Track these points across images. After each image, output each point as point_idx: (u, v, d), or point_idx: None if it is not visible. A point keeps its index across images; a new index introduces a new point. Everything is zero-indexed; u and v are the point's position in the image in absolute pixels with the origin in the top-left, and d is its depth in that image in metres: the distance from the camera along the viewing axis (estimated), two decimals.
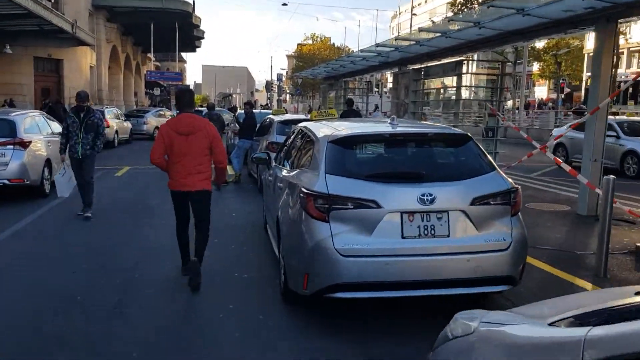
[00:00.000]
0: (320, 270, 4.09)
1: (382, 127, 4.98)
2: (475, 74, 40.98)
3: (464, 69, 12.45)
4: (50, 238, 7.09)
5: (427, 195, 4.07)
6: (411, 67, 14.12)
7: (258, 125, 12.18)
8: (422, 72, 13.09)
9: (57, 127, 11.17)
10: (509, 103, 37.15)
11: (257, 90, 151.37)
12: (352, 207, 4.08)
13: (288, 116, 11.46)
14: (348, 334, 4.20)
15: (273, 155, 6.71)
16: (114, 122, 21.36)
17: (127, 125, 23.50)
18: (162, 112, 28.77)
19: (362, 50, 17.33)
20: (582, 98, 36.03)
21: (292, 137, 6.19)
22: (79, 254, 6.31)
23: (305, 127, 5.63)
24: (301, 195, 4.25)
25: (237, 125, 13.70)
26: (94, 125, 8.17)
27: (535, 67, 45.32)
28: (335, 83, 21.97)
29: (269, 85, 48.79)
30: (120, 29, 35.44)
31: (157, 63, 56.49)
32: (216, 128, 5.53)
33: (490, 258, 4.17)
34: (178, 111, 5.43)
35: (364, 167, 4.52)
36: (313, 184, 4.24)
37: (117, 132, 21.48)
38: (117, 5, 31.79)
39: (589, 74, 18.88)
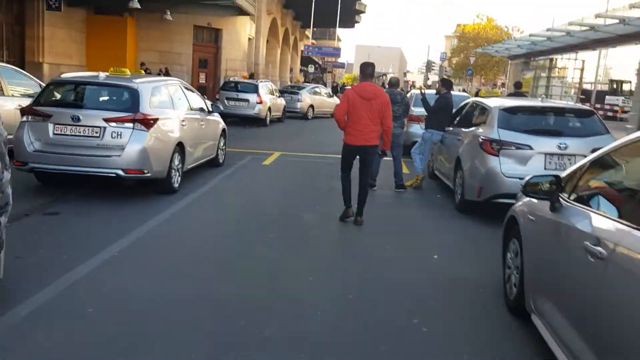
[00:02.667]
0: (491, 185, 6.70)
1: (534, 102, 8.89)
2: None
3: None
4: (176, 251, 4.49)
5: (562, 144, 6.61)
6: None
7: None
8: None
9: (198, 101, 8.78)
10: None
11: (408, 72, 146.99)
12: (514, 148, 6.66)
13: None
14: None
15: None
16: (267, 98, 19.29)
17: (281, 102, 21.40)
18: (317, 90, 26.42)
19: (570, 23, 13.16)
20: None
21: (465, 108, 8.72)
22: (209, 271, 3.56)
23: (477, 101, 8.50)
24: (481, 140, 6.92)
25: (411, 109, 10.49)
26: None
27: None
28: (528, 62, 17.61)
29: (429, 65, 44.63)
30: (281, 0, 33.83)
31: (313, 40, 55.58)
32: (401, 111, 8.52)
33: None
34: (360, 81, 6.53)
35: (522, 126, 6.94)
36: (489, 134, 6.88)
37: (269, 109, 19.39)
38: None
39: None
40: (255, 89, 18.67)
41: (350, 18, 41.54)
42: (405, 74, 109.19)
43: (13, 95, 8.58)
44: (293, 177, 9.50)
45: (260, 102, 18.51)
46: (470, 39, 69.42)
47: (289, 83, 37.33)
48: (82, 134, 6.45)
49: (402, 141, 8.79)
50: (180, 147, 7.40)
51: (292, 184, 8.87)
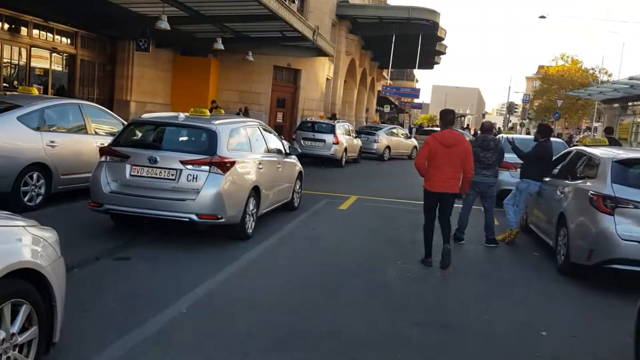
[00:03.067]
0: (604, 248, 5.86)
1: None
2: None
3: None
4: (246, 310, 4.00)
5: None
6: None
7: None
8: None
9: (275, 142, 8.47)
10: None
11: (487, 113, 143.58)
12: (632, 207, 5.84)
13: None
14: None
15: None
16: (343, 138, 18.94)
17: (358, 142, 20.99)
18: (394, 130, 25.84)
19: None
20: None
21: (568, 157, 7.97)
22: None
23: (582, 150, 7.63)
24: (591, 196, 6.08)
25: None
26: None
27: None
28: (626, 107, 16.22)
29: (511, 107, 42.91)
30: (360, 42, 33.99)
31: (390, 81, 55.62)
32: (494, 158, 7.73)
33: None
34: (440, 128, 6.65)
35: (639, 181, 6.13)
36: (601, 189, 6.06)
37: (345, 150, 19.02)
38: (361, 15, 30.13)
39: None
40: (332, 130, 18.42)
41: (429, 59, 41.04)
42: (483, 115, 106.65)
43: (96, 134, 8.65)
44: (371, 224, 8.89)
45: (337, 143, 18.19)
46: (554, 80, 67.08)
47: (365, 123, 37.10)
48: (158, 176, 6.22)
49: (494, 192, 7.93)
50: (255, 191, 7.03)
51: (370, 233, 8.26)
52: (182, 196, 6.16)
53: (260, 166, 7.26)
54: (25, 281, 2.81)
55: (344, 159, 18.84)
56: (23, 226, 2.94)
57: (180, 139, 6.82)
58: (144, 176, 6.24)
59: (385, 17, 30.00)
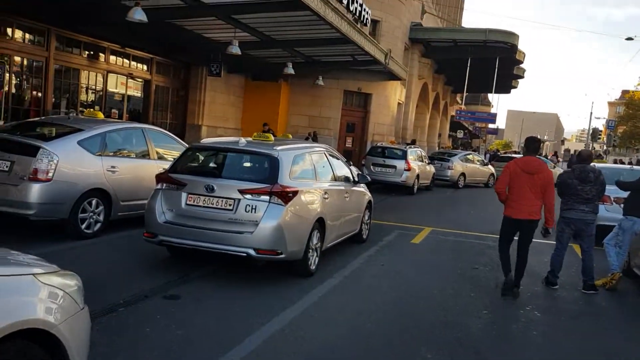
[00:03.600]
0: None
1: None
2: None
3: None
4: None
5: None
6: None
7: None
8: None
9: (343, 170, 7.84)
10: None
11: (565, 139, 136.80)
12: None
13: None
14: None
15: None
16: (415, 164, 18.06)
17: (430, 169, 20.01)
18: (470, 157, 24.55)
19: None
20: None
21: None
22: None
23: None
24: None
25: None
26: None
27: None
28: None
29: (595, 134, 40.21)
30: (433, 66, 33.07)
31: (463, 106, 54.11)
32: (594, 192, 6.69)
33: None
34: (524, 154, 6.60)
35: None
36: None
37: (417, 176, 18.10)
38: (435, 38, 29.26)
39: None
40: (403, 155, 17.60)
41: (507, 83, 39.40)
42: (562, 142, 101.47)
43: (160, 159, 8.38)
44: (449, 263, 8.00)
45: (409, 169, 17.34)
46: (638, 106, 63.31)
47: (437, 148, 35.86)
48: (215, 205, 5.73)
49: (593, 230, 6.81)
50: (320, 223, 6.40)
51: (448, 273, 7.38)
52: (240, 228, 5.63)
53: (326, 196, 6.63)
54: (29, 342, 2.29)
55: (415, 186, 17.93)
56: (34, 274, 2.44)
57: (240, 166, 6.29)
58: (200, 205, 5.77)
59: (460, 40, 29.01)
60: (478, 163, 24.50)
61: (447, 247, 9.26)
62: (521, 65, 36.30)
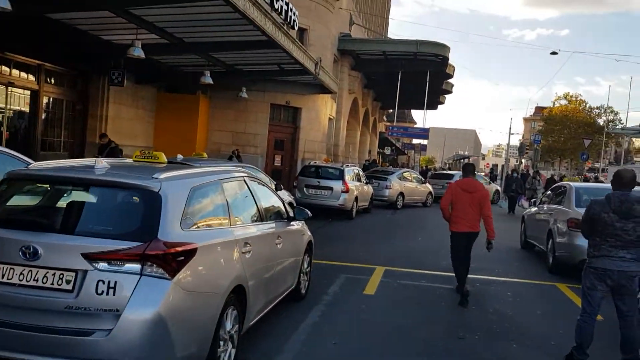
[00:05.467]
0: (578, 250, 7.55)
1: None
2: None
3: None
4: None
5: None
6: None
7: None
8: None
9: (272, 202, 5.50)
10: None
11: (484, 155, 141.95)
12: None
13: None
14: None
15: None
16: (353, 185, 16.03)
17: (369, 189, 18.06)
18: (406, 175, 22.85)
19: None
20: None
21: (553, 190, 11.05)
22: None
23: (562, 184, 11.12)
24: (569, 218, 8.61)
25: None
26: None
27: None
28: None
29: (522, 148, 40.35)
30: (362, 81, 31.61)
31: (388, 123, 53.60)
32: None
33: None
34: (462, 176, 7.73)
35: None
36: (570, 211, 8.78)
37: (356, 198, 16.06)
38: (365, 50, 27.76)
39: None
40: (340, 175, 15.51)
41: (435, 98, 38.79)
42: (483, 157, 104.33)
43: None
44: (422, 329, 5.77)
45: (347, 191, 15.25)
46: (557, 121, 66.24)
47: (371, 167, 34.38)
48: (39, 283, 3.21)
49: (637, 286, 4.71)
50: (238, 293, 4.00)
51: (425, 349, 5.15)
52: (86, 324, 3.13)
53: (247, 248, 4.26)
54: None
55: (354, 210, 15.87)
56: None
57: (91, 209, 3.62)
58: (14, 284, 3.21)
59: (390, 52, 27.66)
60: (415, 181, 22.87)
61: (409, 297, 7.10)
62: (449, 80, 35.73)
